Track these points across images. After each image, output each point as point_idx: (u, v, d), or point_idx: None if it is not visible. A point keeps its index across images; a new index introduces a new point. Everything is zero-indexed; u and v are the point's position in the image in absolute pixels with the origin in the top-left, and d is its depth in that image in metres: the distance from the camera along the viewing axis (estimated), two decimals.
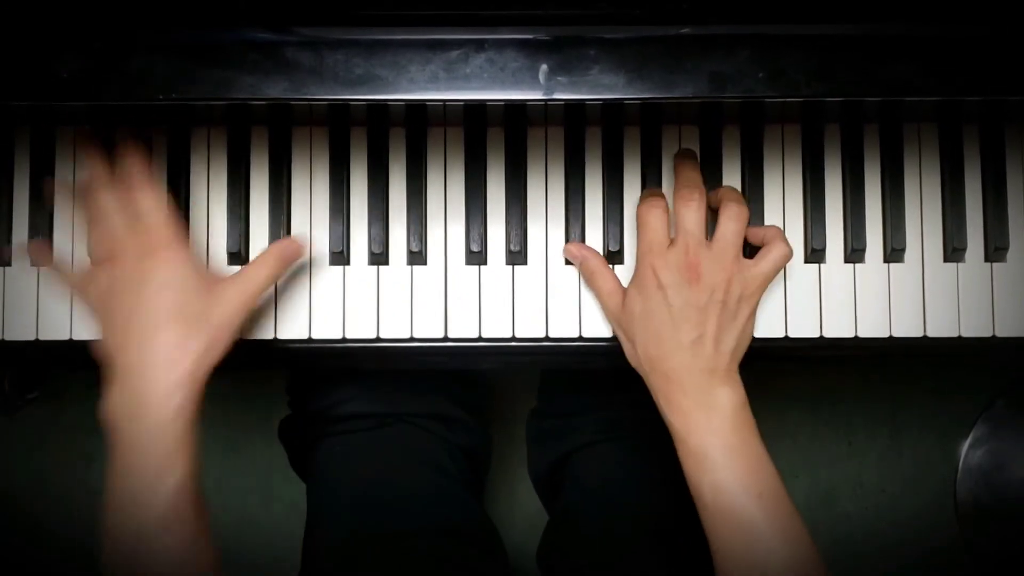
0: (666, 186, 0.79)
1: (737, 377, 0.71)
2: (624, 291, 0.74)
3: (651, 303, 0.71)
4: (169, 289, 0.69)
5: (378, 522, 0.86)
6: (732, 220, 0.72)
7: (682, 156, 0.78)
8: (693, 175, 0.75)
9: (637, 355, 0.72)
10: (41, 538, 1.42)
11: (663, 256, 0.71)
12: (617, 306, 0.74)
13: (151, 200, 0.71)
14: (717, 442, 0.68)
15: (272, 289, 0.78)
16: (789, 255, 0.73)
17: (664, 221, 0.73)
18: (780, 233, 0.74)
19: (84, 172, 0.75)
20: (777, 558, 0.66)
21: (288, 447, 0.98)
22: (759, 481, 0.68)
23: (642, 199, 0.75)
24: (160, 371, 0.66)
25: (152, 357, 0.67)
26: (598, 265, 0.76)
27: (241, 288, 0.71)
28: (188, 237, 0.72)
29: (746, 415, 0.70)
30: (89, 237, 0.74)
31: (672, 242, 0.72)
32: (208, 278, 0.71)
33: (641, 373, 0.73)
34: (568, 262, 0.79)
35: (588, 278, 0.76)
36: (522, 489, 1.39)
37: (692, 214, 0.72)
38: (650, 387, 0.72)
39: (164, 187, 0.77)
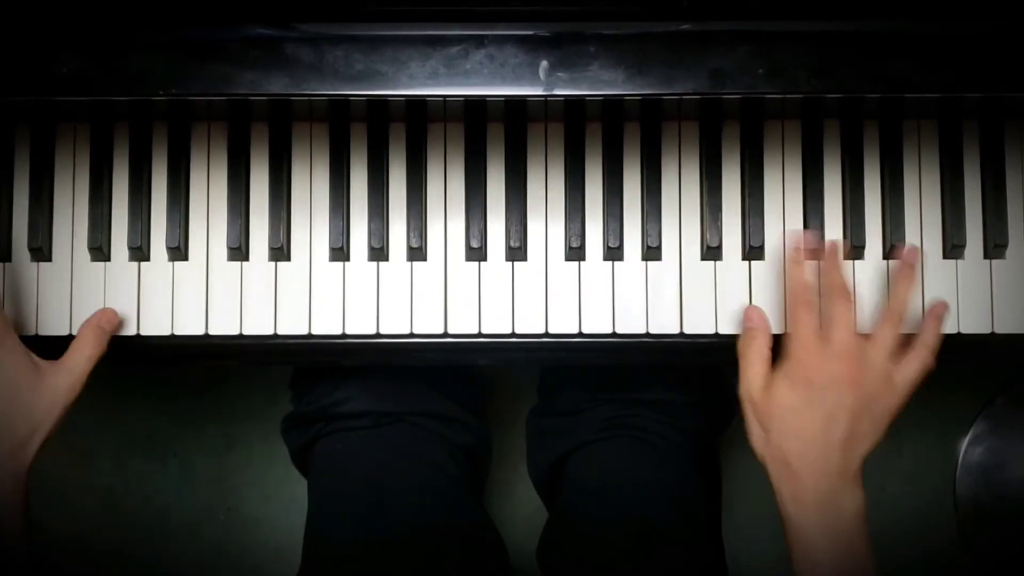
0: (666, 185, 0.79)
1: (861, 480, 0.71)
2: (770, 376, 0.73)
3: (801, 400, 0.70)
4: None
5: (377, 521, 0.86)
6: (893, 329, 0.73)
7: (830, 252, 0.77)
8: (838, 274, 0.75)
9: (769, 443, 0.72)
10: (39, 535, 1.42)
11: (820, 354, 0.71)
12: (759, 390, 0.73)
13: None
14: (827, 545, 0.69)
15: (272, 285, 0.78)
16: (932, 366, 0.73)
17: (817, 314, 0.73)
18: (931, 342, 0.74)
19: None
20: None
21: (289, 444, 0.98)
22: None
23: (789, 289, 0.76)
24: None
25: None
26: (762, 344, 0.74)
27: (64, 377, 0.72)
28: (12, 333, 0.72)
29: (863, 522, 0.70)
30: None
31: (826, 337, 0.72)
32: (32, 372, 0.72)
33: (763, 459, 0.73)
34: (569, 258, 0.79)
35: (744, 348, 0.75)
36: (522, 487, 1.39)
37: (845, 313, 0.72)
38: (771, 474, 0.72)
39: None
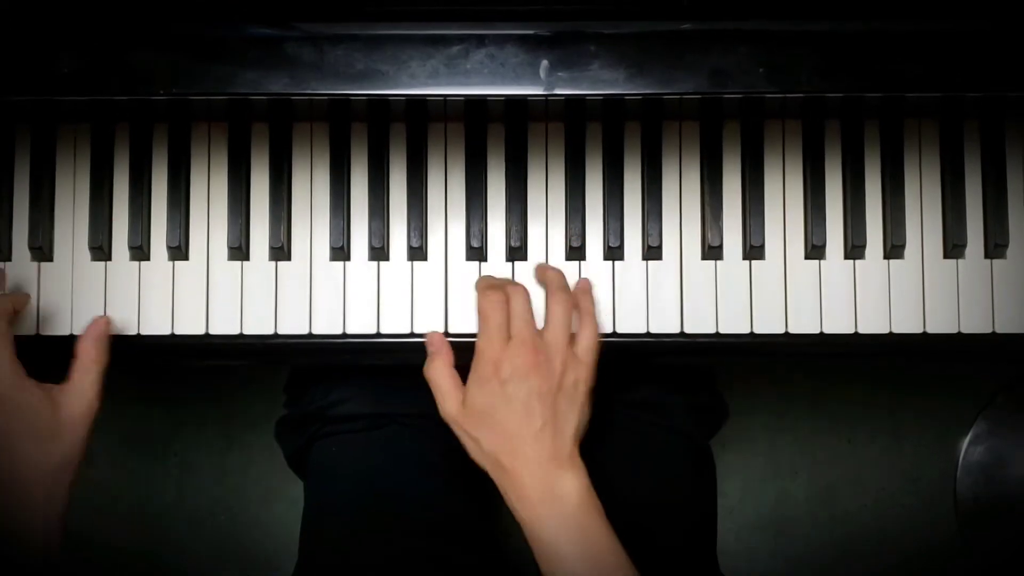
0: (667, 185, 0.79)
1: (579, 460, 0.72)
2: (462, 389, 0.74)
3: (494, 398, 0.71)
4: (21, 428, 0.70)
5: (372, 522, 0.86)
6: (560, 305, 0.74)
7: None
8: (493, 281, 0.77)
9: (482, 452, 0.72)
10: None
11: (503, 350, 0.72)
12: (456, 405, 0.73)
13: None
14: (564, 535, 0.69)
15: (272, 284, 0.78)
16: (596, 328, 0.75)
17: (505, 314, 0.73)
18: (590, 309, 0.76)
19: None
20: None
21: (284, 447, 0.98)
22: (609, 567, 0.69)
23: (480, 292, 0.76)
24: (27, 495, 0.70)
25: (18, 486, 0.70)
26: (443, 364, 0.75)
27: (78, 401, 0.72)
28: (22, 372, 0.71)
29: (591, 500, 0.71)
30: None
31: (510, 332, 0.73)
32: (49, 408, 0.71)
33: (489, 471, 0.73)
34: (569, 258, 0.79)
35: (429, 373, 0.75)
36: None
37: (520, 305, 0.73)
38: (499, 485, 0.72)
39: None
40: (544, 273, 0.78)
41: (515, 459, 0.71)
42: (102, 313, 0.78)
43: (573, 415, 0.72)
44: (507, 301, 0.74)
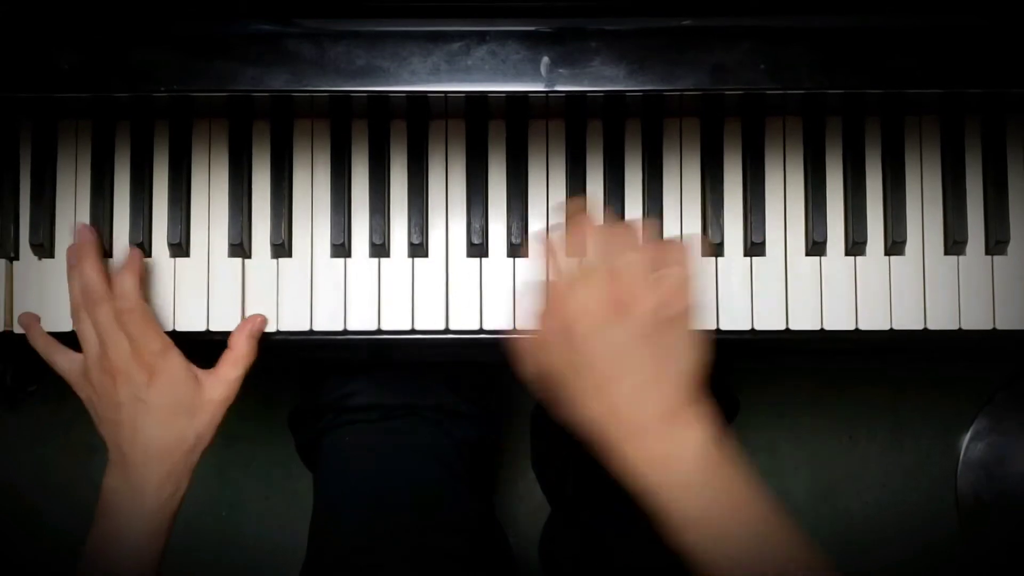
0: (667, 181, 0.79)
1: (700, 409, 0.61)
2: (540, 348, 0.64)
3: (579, 355, 0.61)
4: (170, 400, 0.73)
5: (382, 513, 0.86)
6: (629, 246, 0.64)
7: (570, 201, 0.74)
8: (579, 202, 0.73)
9: (580, 417, 0.62)
10: (43, 531, 1.42)
11: (575, 299, 0.62)
12: (532, 369, 0.65)
13: (145, 324, 0.73)
14: (691, 500, 0.59)
15: (274, 281, 0.78)
16: (686, 254, 0.65)
17: (564, 260, 0.67)
18: (675, 245, 0.66)
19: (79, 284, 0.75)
20: None
21: (297, 437, 0.98)
22: (750, 521, 0.59)
23: (564, 225, 0.70)
24: (158, 464, 0.72)
25: (153, 453, 0.72)
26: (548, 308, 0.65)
27: (222, 389, 0.75)
28: (175, 349, 0.74)
29: (717, 453, 0.60)
30: (86, 342, 0.74)
31: (576, 281, 0.63)
32: (195, 388, 0.74)
33: (592, 438, 0.63)
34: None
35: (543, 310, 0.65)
36: (526, 482, 1.40)
37: (595, 244, 0.65)
38: (605, 452, 0.62)
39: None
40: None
41: (622, 420, 0.60)
42: None
43: (676, 356, 0.61)
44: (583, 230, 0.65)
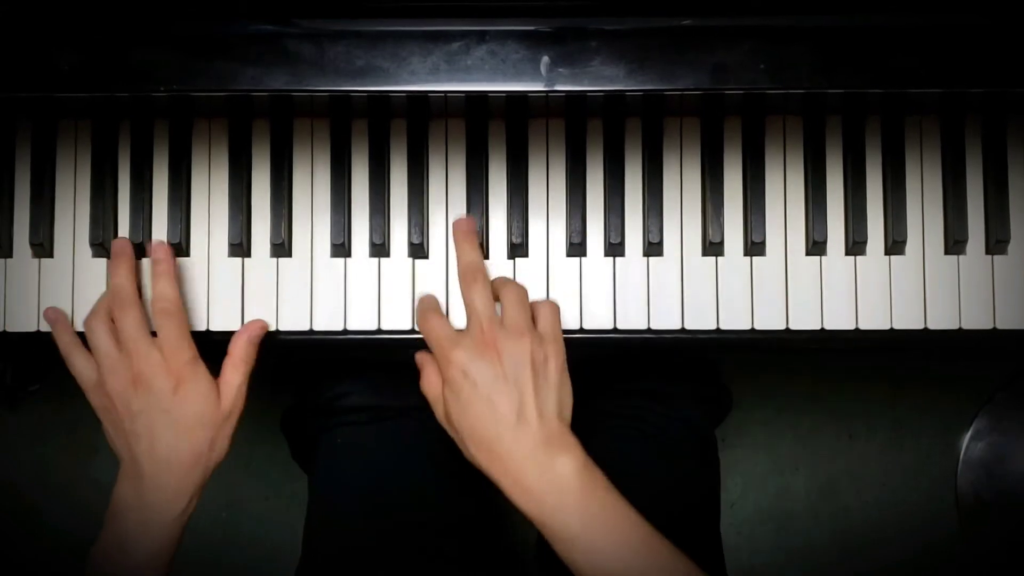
0: (668, 181, 0.79)
1: (571, 438, 0.69)
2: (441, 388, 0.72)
3: (463, 395, 0.69)
4: (194, 411, 0.72)
5: (377, 514, 0.86)
6: (513, 292, 0.72)
7: (459, 234, 0.76)
8: (473, 255, 0.74)
9: (473, 455, 0.70)
10: (43, 530, 1.42)
11: (458, 346, 0.70)
12: (443, 413, 0.72)
13: (181, 330, 0.73)
14: (575, 519, 0.66)
15: (273, 281, 0.78)
16: (556, 306, 0.73)
17: (443, 318, 0.73)
18: (548, 302, 0.74)
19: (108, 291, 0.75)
20: None
21: (290, 438, 0.98)
22: (627, 535, 0.67)
23: (418, 311, 0.75)
24: (172, 478, 0.72)
25: (168, 466, 0.72)
26: (432, 371, 0.73)
27: (229, 392, 0.74)
28: (201, 362, 0.74)
29: (591, 475, 0.68)
30: (97, 351, 0.73)
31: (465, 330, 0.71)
32: (216, 388, 0.74)
33: (484, 472, 0.70)
34: (570, 254, 0.79)
35: (421, 383, 0.74)
36: None
37: (478, 294, 0.71)
38: (496, 483, 0.69)
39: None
40: (494, 281, 0.76)
41: (502, 451, 0.68)
42: None
43: (550, 393, 0.69)
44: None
